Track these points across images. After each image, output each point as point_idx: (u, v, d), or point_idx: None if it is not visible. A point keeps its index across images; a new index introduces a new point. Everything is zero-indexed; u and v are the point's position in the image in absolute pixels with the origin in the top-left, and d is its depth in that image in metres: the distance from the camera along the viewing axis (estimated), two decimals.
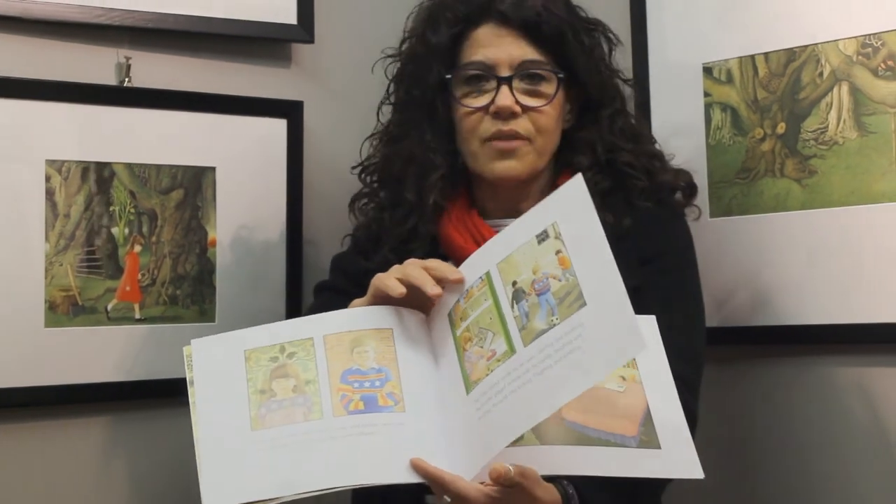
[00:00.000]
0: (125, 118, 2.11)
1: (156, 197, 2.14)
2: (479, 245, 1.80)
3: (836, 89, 2.07)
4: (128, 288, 2.11)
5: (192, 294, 2.16)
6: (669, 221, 1.92)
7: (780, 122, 2.14)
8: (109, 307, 2.09)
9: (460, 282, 1.64)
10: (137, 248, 2.12)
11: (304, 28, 2.29)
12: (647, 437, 1.62)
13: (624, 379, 1.66)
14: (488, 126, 1.85)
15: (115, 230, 2.10)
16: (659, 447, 1.61)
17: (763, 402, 2.19)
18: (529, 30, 1.85)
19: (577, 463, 1.61)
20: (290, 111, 2.26)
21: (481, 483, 1.55)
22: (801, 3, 2.12)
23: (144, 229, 2.13)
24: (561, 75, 1.87)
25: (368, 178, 2.02)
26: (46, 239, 2.04)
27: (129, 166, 2.11)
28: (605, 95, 1.94)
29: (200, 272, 2.18)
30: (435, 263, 1.68)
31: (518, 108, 1.84)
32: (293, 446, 1.59)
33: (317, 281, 2.07)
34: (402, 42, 1.99)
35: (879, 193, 2.01)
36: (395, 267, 1.70)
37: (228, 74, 2.24)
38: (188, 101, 2.18)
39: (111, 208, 2.10)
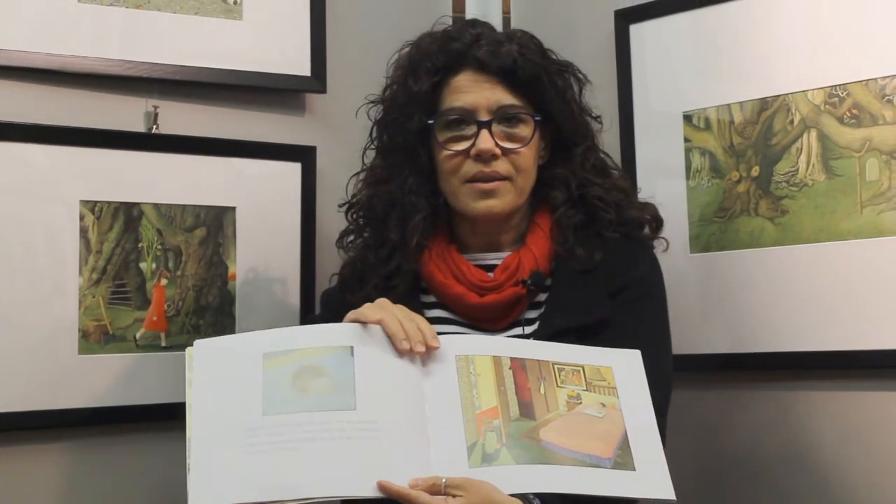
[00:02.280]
0: (153, 162, 2.13)
1: (181, 234, 2.15)
2: (459, 282, 1.83)
3: (805, 136, 2.08)
4: (155, 318, 2.12)
5: (213, 324, 2.17)
6: (637, 254, 1.89)
7: (755, 165, 2.15)
8: (138, 336, 2.10)
9: (435, 348, 1.66)
10: (164, 282, 2.14)
11: (317, 79, 2.30)
12: (623, 460, 1.61)
13: (604, 406, 1.66)
14: (470, 168, 1.83)
15: (143, 265, 2.12)
16: (634, 469, 1.60)
17: (739, 422, 2.18)
18: (506, 76, 1.83)
19: (550, 481, 1.58)
20: (303, 156, 2.27)
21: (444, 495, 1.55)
22: (773, 56, 2.14)
23: (170, 264, 2.15)
24: (537, 118, 1.85)
25: (354, 216, 1.99)
26: (80, 273, 2.05)
27: (157, 206, 2.13)
28: (578, 133, 1.91)
29: (221, 303, 2.19)
30: (423, 324, 1.69)
31: (498, 151, 1.81)
32: (285, 447, 1.56)
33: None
34: (385, 89, 1.96)
35: (846, 231, 2.03)
36: (375, 306, 1.71)
37: (247, 122, 2.26)
38: (211, 147, 2.19)
39: (140, 245, 2.11)
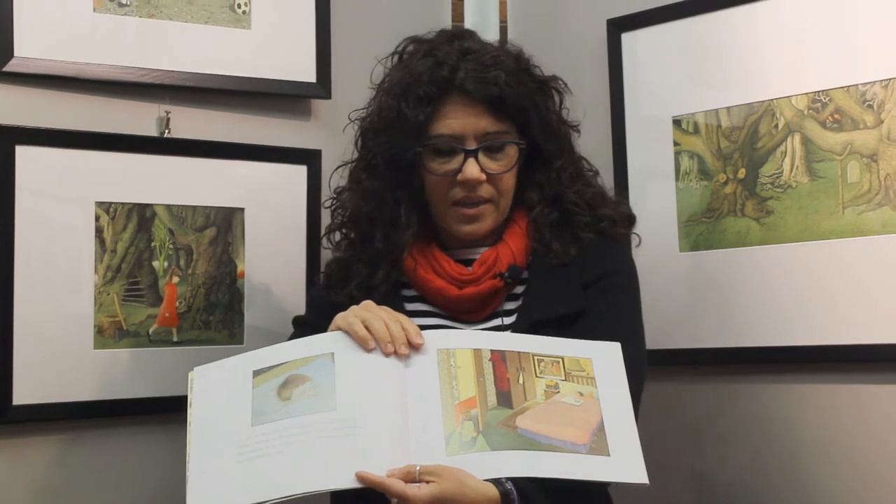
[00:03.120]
0: (165, 165, 2.15)
1: (191, 234, 2.17)
2: (439, 276, 1.83)
3: (789, 139, 2.10)
4: (167, 314, 2.14)
5: (223, 320, 2.19)
6: (610, 249, 1.87)
7: (741, 168, 2.16)
8: (151, 331, 2.12)
9: (419, 346, 1.66)
10: (175, 280, 2.15)
11: (322, 86, 2.32)
12: (598, 446, 1.60)
13: (581, 395, 1.65)
14: (457, 191, 1.81)
15: (155, 263, 2.13)
16: (608, 454, 1.59)
17: (723, 412, 2.20)
18: (492, 103, 1.81)
19: (526, 465, 1.58)
20: (309, 159, 2.28)
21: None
22: (759, 64, 2.15)
23: (181, 263, 2.16)
24: (522, 145, 1.84)
25: (339, 215, 1.96)
26: (96, 271, 2.07)
27: (169, 207, 2.15)
28: (557, 149, 1.89)
29: (230, 300, 2.20)
30: (407, 323, 1.68)
31: (483, 177, 1.80)
32: (271, 452, 1.58)
33: None
34: (372, 101, 1.92)
35: (828, 231, 2.04)
36: (360, 310, 1.70)
37: (255, 126, 2.27)
38: (220, 150, 2.20)
39: (152, 244, 2.13)
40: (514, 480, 1.60)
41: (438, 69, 1.82)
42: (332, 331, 1.71)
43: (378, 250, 1.87)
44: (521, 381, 1.66)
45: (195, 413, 1.66)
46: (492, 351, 1.68)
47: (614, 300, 1.82)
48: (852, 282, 2.02)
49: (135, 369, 2.10)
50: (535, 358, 1.68)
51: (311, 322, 1.88)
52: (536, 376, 1.67)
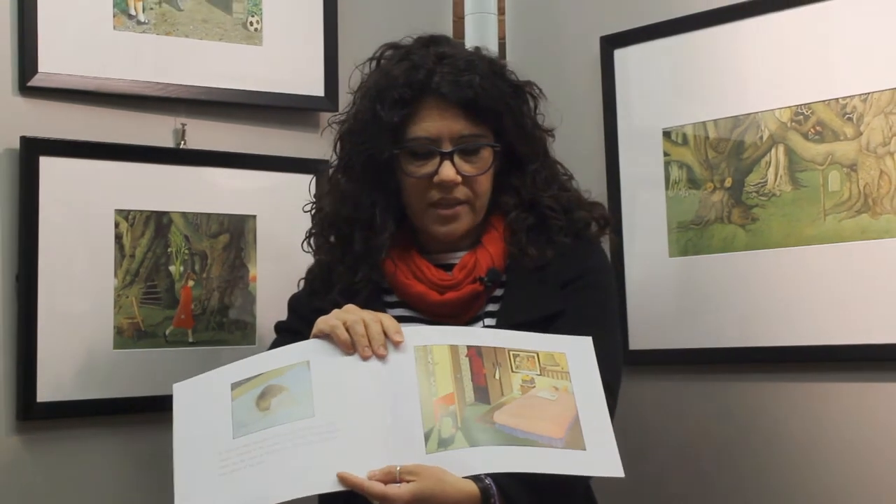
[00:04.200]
0: (181, 175, 2.16)
1: (206, 240, 2.19)
2: (419, 281, 1.79)
3: (773, 150, 2.12)
4: (183, 316, 2.15)
5: (236, 321, 2.21)
6: (586, 250, 1.84)
7: (728, 177, 2.18)
8: (167, 332, 2.14)
9: (398, 343, 1.63)
10: (191, 283, 2.17)
11: (330, 99, 2.33)
12: (573, 440, 1.57)
13: (557, 389, 1.62)
14: (433, 193, 1.78)
15: (172, 268, 2.15)
16: (584, 448, 1.57)
17: (709, 409, 2.21)
18: (467, 106, 1.77)
19: (503, 461, 1.55)
20: (317, 168, 2.25)
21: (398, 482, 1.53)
22: (745, 78, 2.16)
23: (197, 267, 2.18)
24: (497, 148, 1.81)
25: (318, 220, 1.92)
26: (115, 275, 2.09)
27: (184, 215, 2.16)
28: (532, 152, 1.85)
29: (243, 303, 2.22)
30: (388, 322, 1.65)
31: (459, 179, 1.77)
32: (252, 462, 1.55)
33: None
34: (351, 104, 1.89)
35: (810, 237, 2.06)
36: (341, 312, 1.68)
37: (266, 138, 2.29)
38: (233, 160, 2.22)
39: (169, 250, 2.15)
40: (494, 476, 1.58)
41: (414, 72, 1.79)
42: (314, 335, 1.68)
43: (357, 253, 1.83)
44: (497, 376, 1.63)
45: (177, 429, 1.64)
46: (468, 347, 1.64)
47: (589, 298, 1.79)
48: (833, 285, 2.04)
49: (152, 368, 2.11)
50: (511, 353, 1.65)
51: (294, 328, 1.85)
52: (512, 371, 1.64)
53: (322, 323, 1.68)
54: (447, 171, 1.77)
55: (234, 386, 1.65)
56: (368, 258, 1.83)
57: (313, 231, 1.94)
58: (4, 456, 2.01)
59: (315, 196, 1.97)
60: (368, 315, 1.67)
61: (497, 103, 1.80)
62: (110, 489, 2.11)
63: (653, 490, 2.22)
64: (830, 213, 2.05)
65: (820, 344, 2.05)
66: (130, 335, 2.11)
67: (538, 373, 1.64)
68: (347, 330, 1.65)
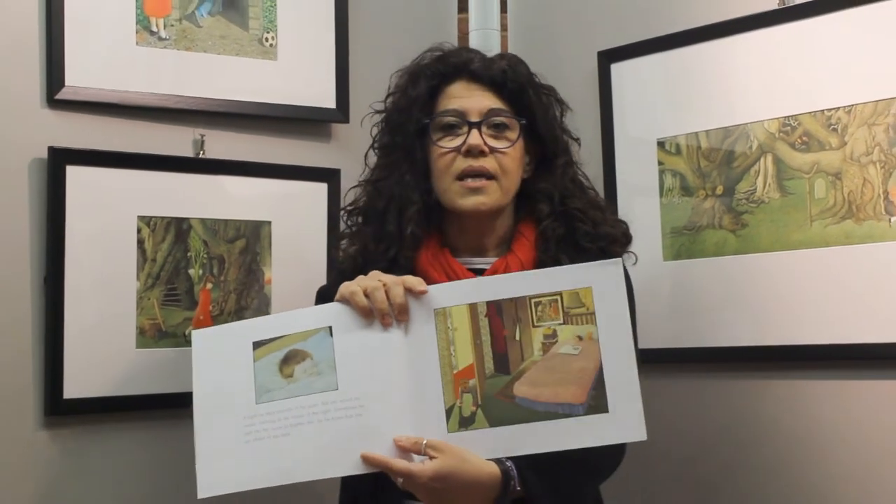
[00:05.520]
0: (200, 183, 2.17)
1: (224, 245, 2.19)
2: (449, 279, 1.76)
3: (762, 159, 2.12)
4: (201, 317, 2.16)
5: None
6: None
7: (719, 185, 2.19)
8: (187, 332, 2.13)
9: (423, 293, 1.62)
10: (209, 286, 2.18)
11: (341, 111, 2.35)
12: (595, 402, 1.53)
13: (580, 339, 1.56)
14: (460, 164, 1.79)
15: (191, 271, 2.16)
16: (607, 410, 1.52)
17: (700, 406, 2.21)
18: (496, 85, 1.82)
19: (524, 442, 1.53)
20: (329, 177, 2.30)
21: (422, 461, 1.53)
22: (735, 91, 2.16)
23: (215, 271, 2.18)
24: (523, 121, 1.82)
25: (352, 220, 1.92)
26: (137, 278, 2.10)
27: (203, 221, 2.17)
28: (559, 147, 1.87)
29: (259, 305, 2.22)
30: (410, 280, 1.63)
31: (486, 148, 1.77)
32: (277, 433, 1.54)
33: None
34: (387, 97, 1.93)
35: (797, 242, 2.07)
36: (363, 279, 1.66)
37: (281, 148, 2.30)
38: (249, 169, 2.23)
39: (188, 254, 2.16)
40: (514, 458, 1.58)
41: (448, 58, 1.87)
42: (336, 300, 1.65)
43: (391, 234, 1.81)
44: (517, 336, 1.58)
45: (197, 383, 1.61)
46: (487, 304, 1.59)
47: None
48: (819, 287, 2.05)
49: (173, 367, 2.11)
50: (533, 301, 1.59)
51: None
52: (534, 326, 1.58)
53: (343, 288, 1.66)
54: (475, 137, 1.79)
55: (257, 346, 1.62)
56: (399, 236, 1.81)
57: (347, 231, 1.93)
58: (33, 449, 2.02)
59: (349, 204, 1.96)
60: (390, 279, 1.66)
61: (524, 85, 1.84)
62: (132, 480, 2.12)
63: (641, 487, 2.24)
64: (816, 219, 2.06)
65: (805, 343, 2.07)
66: (152, 335, 2.12)
67: (561, 321, 1.57)
68: (367, 297, 1.63)
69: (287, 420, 1.56)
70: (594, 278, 1.58)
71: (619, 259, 1.63)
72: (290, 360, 1.60)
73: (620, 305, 1.57)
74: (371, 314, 1.62)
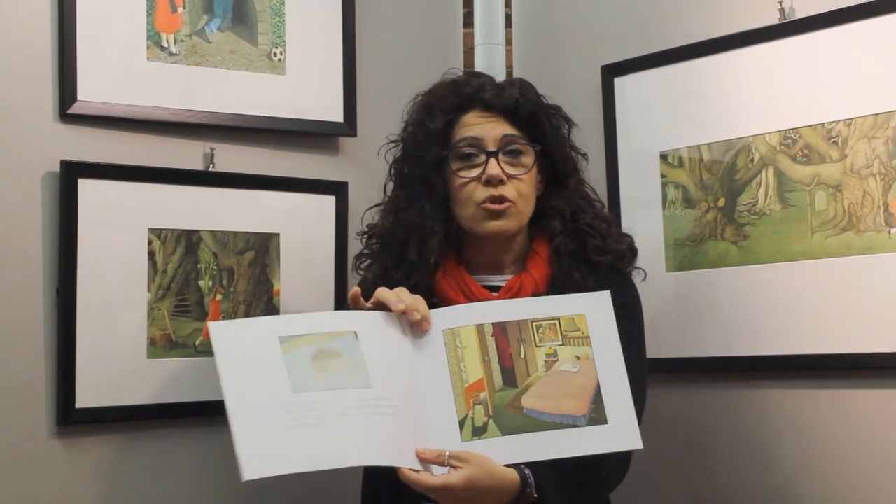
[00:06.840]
0: (209, 196, 2.17)
1: (233, 257, 2.19)
2: (466, 297, 1.82)
3: (763, 172, 2.12)
4: None
5: None
6: (621, 283, 1.88)
7: (721, 197, 2.19)
8: (197, 343, 2.14)
9: (427, 325, 1.69)
10: (219, 297, 2.17)
11: (349, 125, 2.34)
12: (596, 414, 1.62)
13: (578, 359, 1.66)
14: (481, 193, 1.82)
15: (201, 283, 2.16)
16: (606, 422, 1.61)
17: (701, 414, 2.21)
18: (509, 113, 1.85)
19: (533, 449, 1.60)
20: (337, 190, 2.30)
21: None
22: (737, 104, 2.17)
23: (224, 282, 2.18)
24: (538, 148, 1.86)
25: (372, 242, 1.95)
26: (148, 290, 2.10)
27: (213, 233, 2.17)
28: (569, 165, 1.92)
29: (267, 316, 2.19)
30: (423, 309, 1.70)
31: (504, 176, 1.81)
32: (318, 421, 1.55)
33: None
34: (404, 128, 1.96)
35: (798, 253, 2.07)
36: (397, 291, 1.72)
37: (289, 161, 2.30)
38: (258, 182, 2.23)
39: (198, 266, 2.16)
40: (531, 464, 1.63)
41: (461, 88, 1.90)
42: (375, 299, 1.70)
43: (412, 262, 1.85)
44: (522, 354, 1.66)
45: (225, 372, 1.59)
46: (493, 325, 1.68)
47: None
48: (820, 298, 2.05)
49: (183, 377, 2.12)
50: (534, 324, 1.68)
51: None
52: (536, 345, 1.67)
53: (382, 290, 1.72)
54: (493, 167, 1.83)
55: (283, 340, 1.63)
56: (421, 264, 1.85)
57: (365, 252, 1.97)
58: (46, 457, 2.02)
59: (368, 226, 1.99)
60: (409, 298, 1.73)
61: (536, 111, 1.88)
62: (144, 489, 2.12)
63: (644, 498, 2.22)
64: (817, 230, 2.06)
65: (806, 353, 2.07)
66: (163, 345, 2.12)
67: (560, 343, 1.68)
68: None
69: (328, 409, 1.57)
70: (586, 307, 1.70)
71: (608, 292, 1.72)
72: (321, 356, 1.62)
73: (611, 330, 1.69)
74: (404, 315, 1.68)
